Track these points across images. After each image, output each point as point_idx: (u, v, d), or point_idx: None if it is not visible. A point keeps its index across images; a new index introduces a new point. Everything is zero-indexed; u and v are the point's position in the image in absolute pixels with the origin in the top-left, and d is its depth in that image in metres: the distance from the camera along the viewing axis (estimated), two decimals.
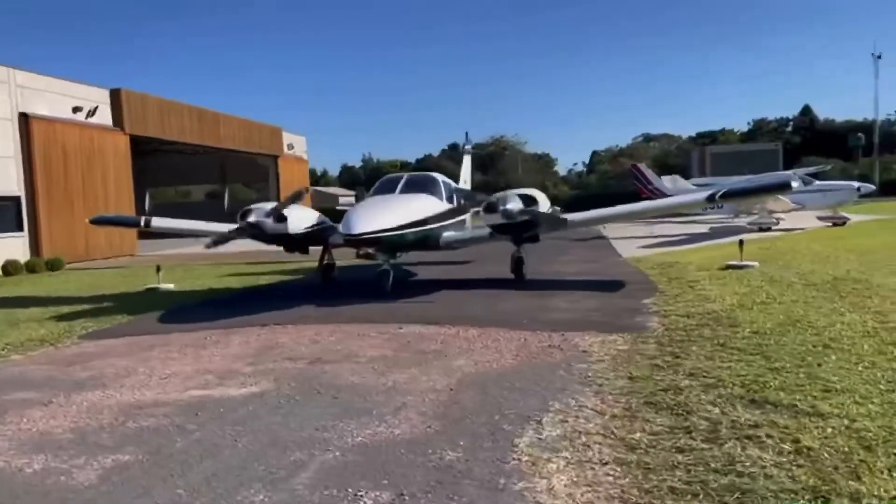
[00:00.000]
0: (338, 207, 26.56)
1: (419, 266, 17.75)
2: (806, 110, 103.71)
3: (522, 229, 13.08)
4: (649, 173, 31.30)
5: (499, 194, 12.79)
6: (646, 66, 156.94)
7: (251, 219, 12.82)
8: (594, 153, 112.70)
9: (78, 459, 5.22)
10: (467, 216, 16.07)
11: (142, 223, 15.58)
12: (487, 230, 14.07)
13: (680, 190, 33.70)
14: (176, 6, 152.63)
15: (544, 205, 12.78)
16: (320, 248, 15.64)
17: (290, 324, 10.57)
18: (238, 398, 6.65)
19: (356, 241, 12.10)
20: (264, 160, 44.43)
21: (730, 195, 13.99)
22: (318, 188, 78.53)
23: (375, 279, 12.83)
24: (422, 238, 13.24)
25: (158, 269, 16.91)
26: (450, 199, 14.61)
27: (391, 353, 8.38)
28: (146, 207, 44.96)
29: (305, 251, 14.79)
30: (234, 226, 13.90)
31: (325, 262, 15.50)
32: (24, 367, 8.74)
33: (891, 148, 73.43)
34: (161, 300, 14.40)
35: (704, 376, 6.68)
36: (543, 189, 17.78)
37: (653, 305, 11.02)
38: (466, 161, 22.03)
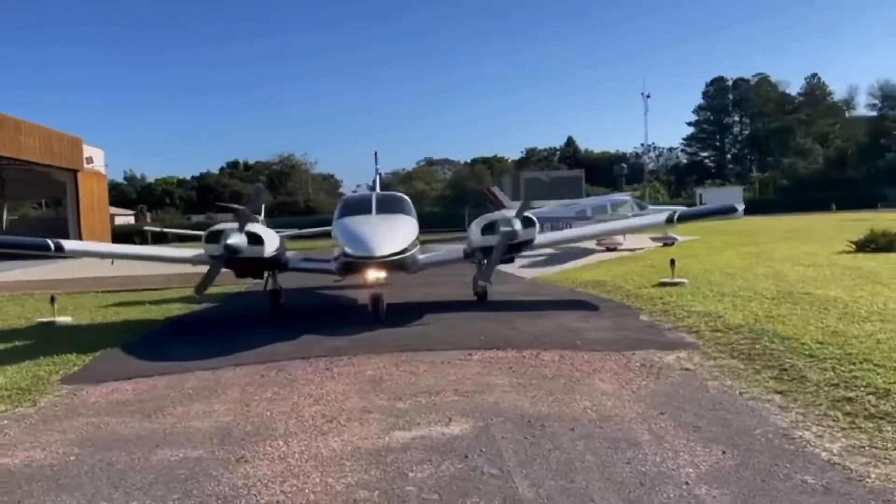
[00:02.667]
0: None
1: (345, 290, 16.96)
2: (570, 141, 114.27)
3: (511, 251, 13.13)
4: (502, 196, 32.66)
5: (497, 215, 12.70)
6: (428, 93, 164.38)
7: (230, 241, 11.42)
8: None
9: None
10: None
11: (51, 247, 13.16)
12: (460, 251, 13.91)
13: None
14: None
15: (537, 227, 12.94)
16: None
17: (329, 356, 9.61)
18: (468, 438, 6.03)
19: (372, 264, 11.38)
20: (60, 174, 39.51)
21: (685, 217, 15.21)
22: None
23: (371, 304, 12.10)
24: (407, 260, 12.76)
25: (53, 299, 14.47)
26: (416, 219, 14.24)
27: (519, 380, 8.02)
28: None
29: (261, 276, 13.62)
30: (194, 251, 12.37)
31: (271, 287, 14.26)
32: (78, 420, 7.17)
33: (640, 176, 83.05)
34: (88, 336, 12.30)
35: (856, 387, 7.13)
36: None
37: (659, 323, 11.53)
38: (377, 182, 21.43)
